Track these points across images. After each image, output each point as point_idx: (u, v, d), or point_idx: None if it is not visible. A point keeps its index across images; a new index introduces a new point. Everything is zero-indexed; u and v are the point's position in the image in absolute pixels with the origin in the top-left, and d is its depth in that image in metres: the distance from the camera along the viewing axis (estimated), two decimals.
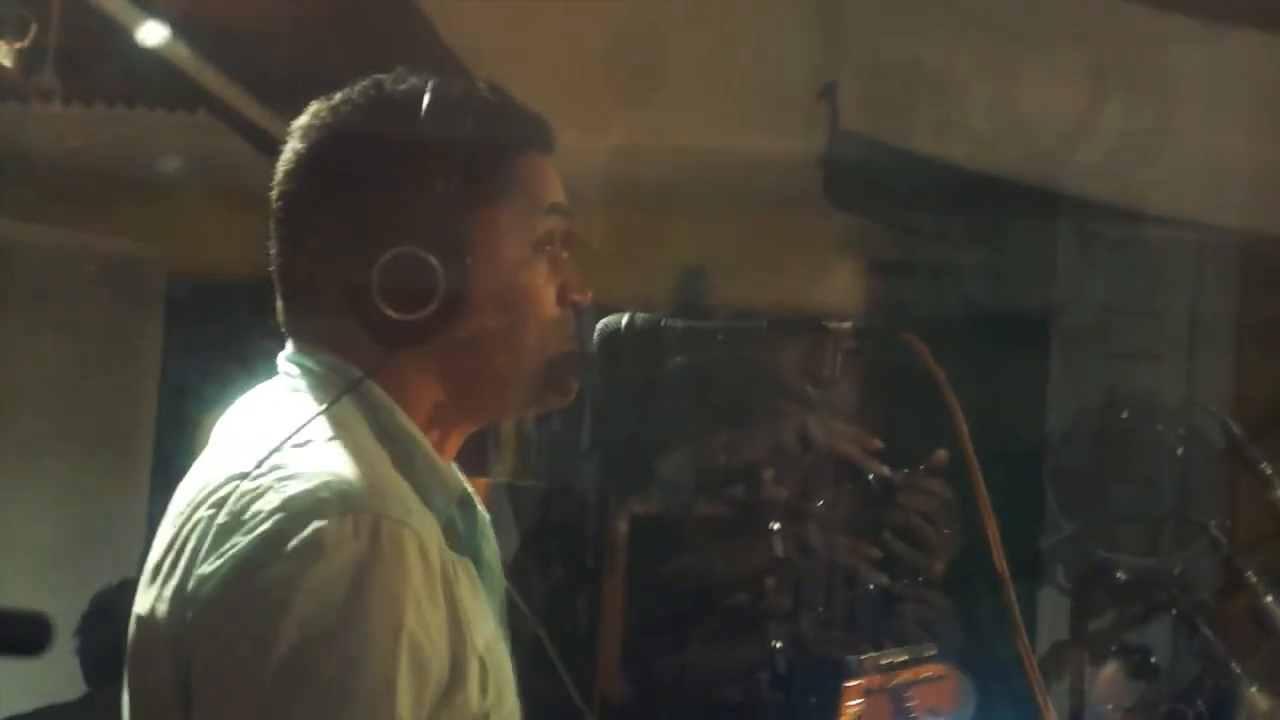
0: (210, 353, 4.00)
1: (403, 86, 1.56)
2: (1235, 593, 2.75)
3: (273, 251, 1.56)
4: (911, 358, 1.72)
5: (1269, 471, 2.72)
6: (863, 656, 2.19)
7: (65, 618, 3.30)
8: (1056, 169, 3.62)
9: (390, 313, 1.46)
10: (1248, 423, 2.91)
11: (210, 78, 3.44)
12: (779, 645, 2.77)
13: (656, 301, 1.80)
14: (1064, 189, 3.71)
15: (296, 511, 1.34)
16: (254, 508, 1.36)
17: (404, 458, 1.48)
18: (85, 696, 3.32)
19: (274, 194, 1.56)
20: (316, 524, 1.33)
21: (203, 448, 1.53)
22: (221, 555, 1.35)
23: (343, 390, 1.48)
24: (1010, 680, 1.74)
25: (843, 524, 3.41)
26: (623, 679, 3.65)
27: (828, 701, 3.28)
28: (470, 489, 1.60)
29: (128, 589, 1.50)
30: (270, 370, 1.56)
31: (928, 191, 3.80)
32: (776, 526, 3.51)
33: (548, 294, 1.60)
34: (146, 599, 1.42)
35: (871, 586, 3.33)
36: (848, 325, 1.77)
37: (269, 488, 1.37)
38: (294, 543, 1.32)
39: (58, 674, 3.30)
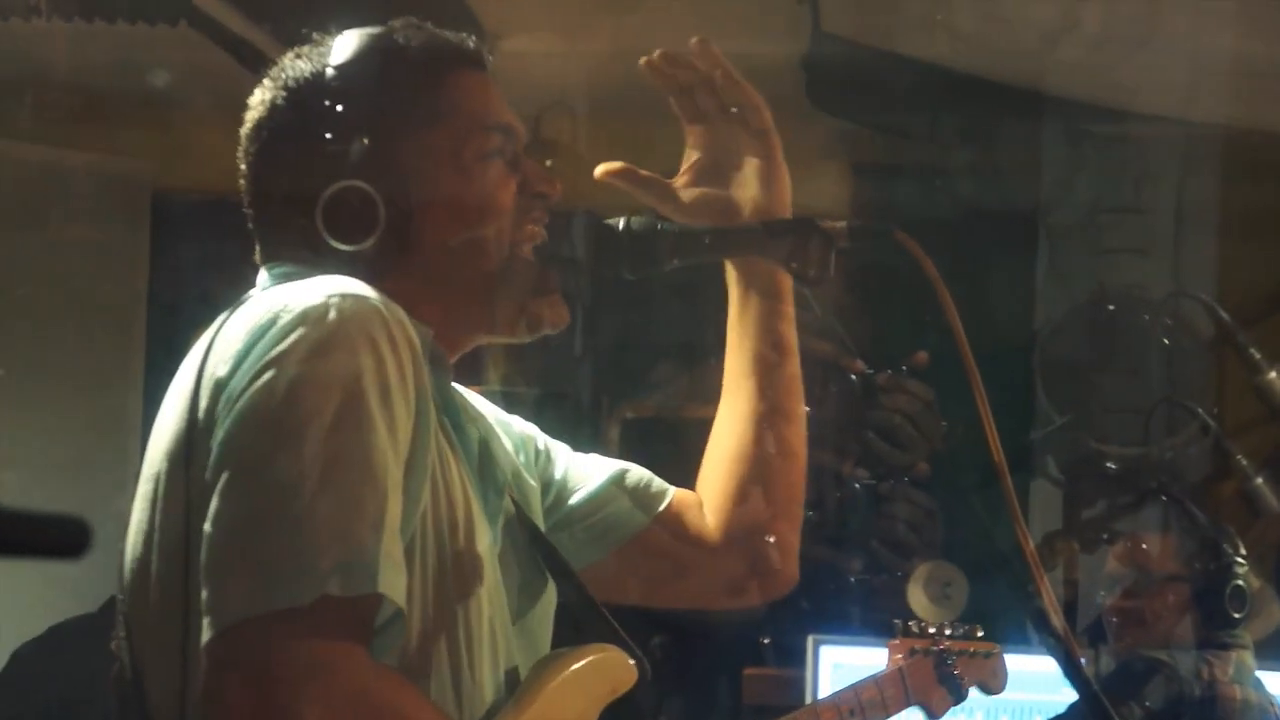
0: (198, 268, 4.00)
1: (332, 39, 1.68)
2: (1225, 476, 2.79)
3: (247, 195, 1.69)
4: (902, 258, 1.73)
5: (1257, 356, 2.75)
6: (910, 622, 2.22)
7: None
8: (1041, 68, 3.62)
9: (339, 245, 1.58)
10: (1233, 313, 2.94)
11: None
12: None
13: (643, 206, 1.81)
14: (1049, 88, 3.71)
15: (303, 301, 1.47)
16: (250, 312, 1.50)
17: None
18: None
19: (241, 150, 1.68)
20: (316, 300, 1.47)
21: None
22: (226, 351, 1.49)
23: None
24: (1004, 571, 1.77)
25: (828, 425, 3.44)
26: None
27: (822, 607, 3.33)
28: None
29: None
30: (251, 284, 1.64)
31: (912, 93, 3.79)
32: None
33: (502, 196, 1.68)
34: (150, 471, 1.53)
35: (858, 486, 3.37)
36: (842, 225, 1.78)
37: (277, 300, 1.50)
38: (287, 317, 1.45)
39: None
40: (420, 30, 1.69)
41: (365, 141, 1.60)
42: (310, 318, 1.44)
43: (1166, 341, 3.49)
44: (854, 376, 3.16)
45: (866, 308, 3.45)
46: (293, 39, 1.73)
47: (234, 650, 1.35)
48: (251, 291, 1.62)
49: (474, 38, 1.72)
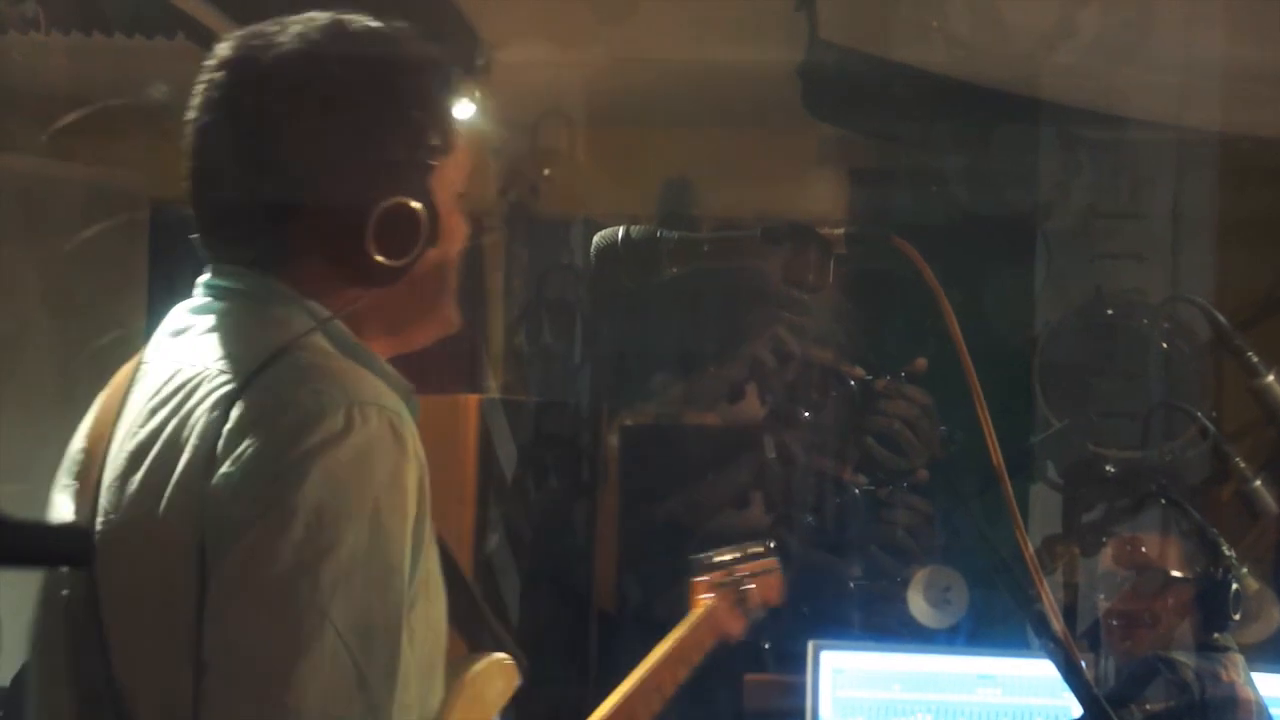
0: (195, 277, 4.01)
1: (357, 28, 1.65)
2: (1224, 479, 2.80)
3: (201, 181, 1.65)
4: (899, 264, 1.74)
5: (1255, 359, 2.75)
6: (699, 558, 2.46)
7: None
8: (1036, 74, 3.63)
9: (381, 259, 1.58)
10: (1230, 317, 2.95)
11: (188, 2, 3.43)
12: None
13: (641, 214, 1.82)
14: (1045, 94, 3.71)
15: (307, 409, 1.46)
16: (264, 410, 1.47)
17: (365, 364, 1.60)
18: None
19: (209, 129, 1.64)
20: (328, 417, 1.45)
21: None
22: (241, 454, 1.45)
23: (325, 320, 1.58)
24: (1004, 575, 1.78)
25: (827, 431, 3.45)
26: (617, 588, 3.69)
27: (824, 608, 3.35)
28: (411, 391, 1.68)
29: None
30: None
31: (908, 100, 3.80)
32: (765, 436, 3.56)
33: (461, 234, 1.73)
34: (127, 499, 1.50)
35: (857, 491, 3.38)
36: (840, 232, 1.79)
37: (276, 392, 1.48)
38: (309, 434, 1.44)
39: None
40: (440, 54, 1.70)
41: (404, 158, 1.60)
42: (325, 430, 1.44)
43: (1164, 345, 3.49)
44: (853, 382, 3.17)
45: (865, 314, 3.46)
46: None
47: None
48: (208, 300, 1.61)
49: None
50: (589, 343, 4.01)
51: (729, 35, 3.84)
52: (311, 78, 1.60)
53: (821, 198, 4.28)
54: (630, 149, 4.17)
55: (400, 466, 1.47)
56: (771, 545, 2.60)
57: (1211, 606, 2.76)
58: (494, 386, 3.98)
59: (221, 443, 1.46)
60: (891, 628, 3.19)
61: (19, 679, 3.20)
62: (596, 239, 1.78)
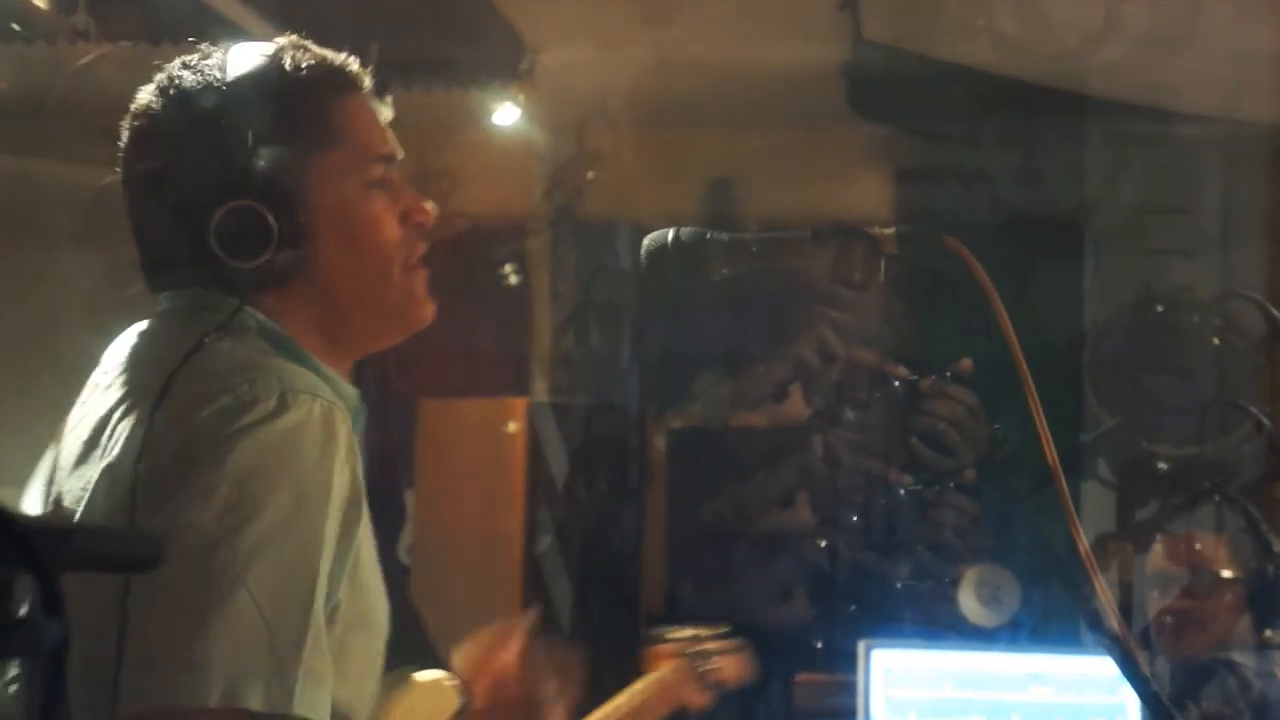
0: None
1: (210, 61, 1.68)
2: (1278, 475, 2.77)
3: (131, 221, 1.69)
4: (947, 263, 1.73)
5: None
6: (656, 631, 2.42)
7: None
8: (1083, 69, 3.61)
9: (233, 262, 1.60)
10: None
11: (235, 11, 3.45)
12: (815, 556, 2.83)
13: (686, 216, 1.81)
14: (1092, 90, 3.69)
15: (239, 393, 1.50)
16: (198, 395, 1.51)
17: (306, 365, 1.62)
18: None
19: (123, 170, 1.69)
20: (261, 401, 1.49)
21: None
22: (171, 433, 1.50)
23: (233, 310, 1.61)
24: (1058, 573, 1.77)
25: (872, 431, 3.45)
26: (665, 589, 3.70)
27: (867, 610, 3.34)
28: (359, 399, 1.70)
29: None
30: None
31: (953, 98, 3.79)
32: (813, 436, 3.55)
33: (388, 222, 1.71)
34: (69, 490, 1.57)
35: (903, 492, 3.38)
36: (890, 231, 1.79)
37: (211, 379, 1.52)
38: (241, 416, 1.48)
39: None
40: (307, 51, 1.71)
41: (256, 161, 1.61)
42: (266, 414, 1.48)
43: (1216, 341, 3.47)
44: (897, 383, 3.16)
45: (912, 314, 3.45)
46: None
47: None
48: (171, 318, 1.65)
49: (357, 60, 1.74)
50: (636, 345, 4.01)
51: (772, 35, 3.83)
52: (165, 109, 1.67)
53: (867, 197, 4.27)
54: (675, 150, 4.17)
55: (329, 452, 1.49)
56: (729, 630, 2.56)
57: (1263, 605, 2.74)
58: (542, 390, 3.99)
59: (156, 426, 1.50)
60: (942, 627, 3.18)
61: None
62: (646, 241, 1.77)
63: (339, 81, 1.71)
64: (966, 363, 3.09)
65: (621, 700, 2.33)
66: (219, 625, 1.41)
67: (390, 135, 1.76)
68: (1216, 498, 2.68)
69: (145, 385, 1.56)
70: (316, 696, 1.45)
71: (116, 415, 1.58)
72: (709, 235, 1.77)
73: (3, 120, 3.83)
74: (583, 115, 4.09)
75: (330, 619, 1.52)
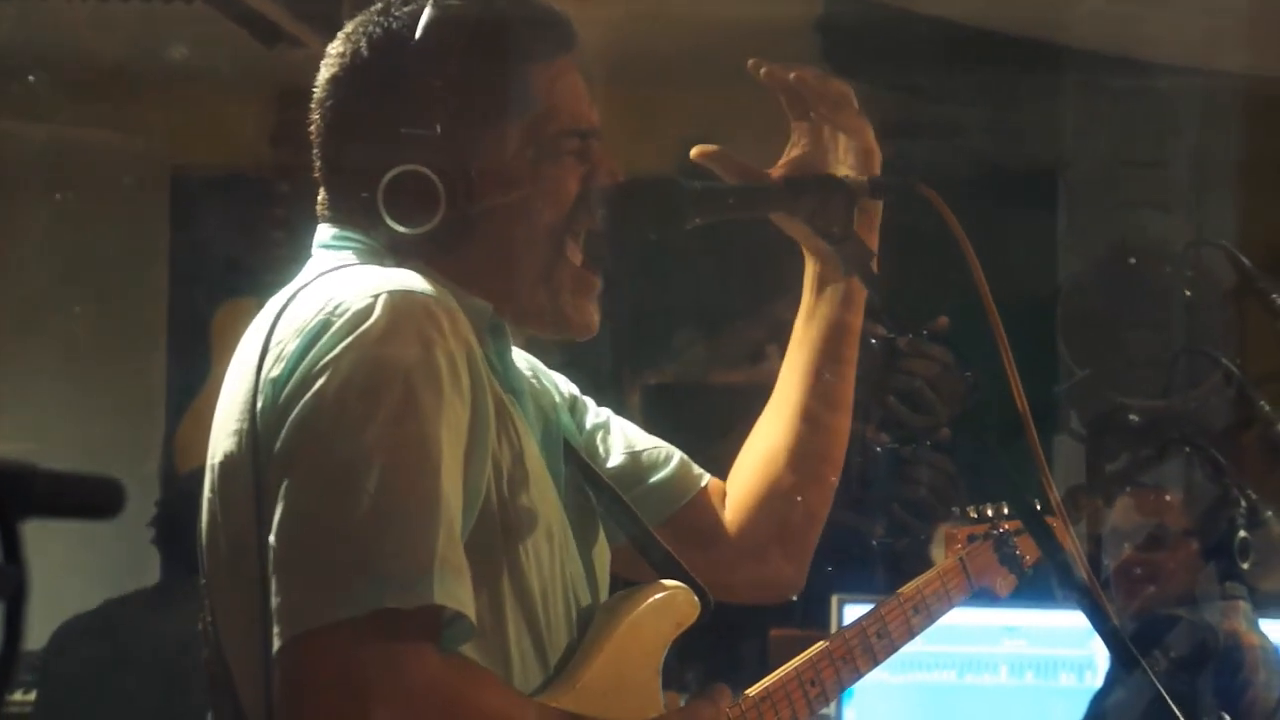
0: (216, 241, 4.02)
1: (409, 7, 1.61)
2: (1248, 424, 2.78)
3: (316, 149, 1.64)
4: (922, 216, 1.72)
5: None
6: (967, 508, 2.25)
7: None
8: (1059, 21, 3.60)
9: (398, 227, 1.56)
10: (1255, 262, 2.93)
11: None
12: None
13: (661, 173, 1.80)
14: (1067, 41, 3.68)
15: (338, 300, 1.49)
16: (300, 312, 1.50)
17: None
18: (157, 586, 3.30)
19: (315, 101, 1.63)
20: (360, 302, 1.48)
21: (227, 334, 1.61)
22: (282, 352, 1.49)
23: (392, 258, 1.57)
24: (1030, 524, 1.77)
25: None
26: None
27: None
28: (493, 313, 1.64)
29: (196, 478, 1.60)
30: (270, 259, 1.62)
31: (929, 51, 3.77)
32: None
33: (565, 191, 1.64)
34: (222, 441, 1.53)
35: (879, 450, 3.37)
36: (865, 180, 1.77)
37: (315, 296, 1.51)
38: (340, 321, 1.46)
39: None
40: (523, 4, 1.64)
41: (440, 124, 1.56)
42: (360, 320, 1.45)
43: (1188, 293, 3.47)
44: (874, 340, 3.16)
45: (887, 270, 3.44)
46: (305, 12, 1.71)
47: (303, 661, 1.40)
48: (309, 267, 1.60)
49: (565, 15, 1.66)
50: (611, 300, 3.99)
51: None
52: (351, 64, 1.61)
53: None
54: (648, 108, 4.15)
55: (432, 342, 1.46)
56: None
57: (1220, 556, 2.76)
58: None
59: (268, 348, 1.50)
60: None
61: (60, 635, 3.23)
62: (615, 188, 1.73)
63: (550, 40, 1.63)
64: (943, 320, 3.08)
65: (925, 580, 2.09)
66: (348, 533, 1.41)
67: (591, 105, 1.67)
68: (1186, 449, 2.69)
69: (270, 311, 1.55)
70: (458, 586, 1.43)
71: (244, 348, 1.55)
72: (682, 183, 1.75)
73: None
74: None
75: (485, 515, 1.50)
